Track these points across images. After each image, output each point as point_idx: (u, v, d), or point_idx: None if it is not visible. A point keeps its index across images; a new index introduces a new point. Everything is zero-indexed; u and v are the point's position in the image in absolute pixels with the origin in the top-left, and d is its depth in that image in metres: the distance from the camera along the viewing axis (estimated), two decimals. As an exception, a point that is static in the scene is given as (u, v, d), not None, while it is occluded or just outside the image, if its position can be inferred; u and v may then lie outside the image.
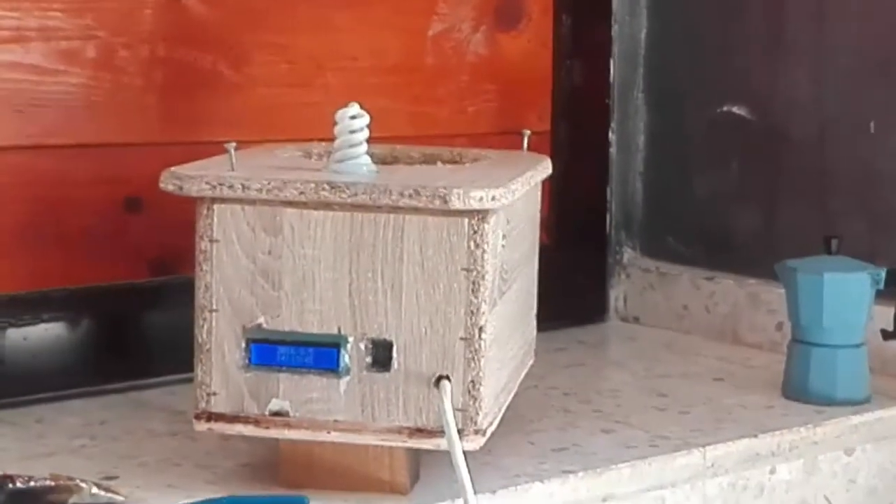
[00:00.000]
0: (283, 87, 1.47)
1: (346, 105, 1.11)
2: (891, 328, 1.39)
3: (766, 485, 1.29)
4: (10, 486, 0.99)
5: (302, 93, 1.48)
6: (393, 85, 1.55)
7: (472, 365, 1.04)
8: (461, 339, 1.04)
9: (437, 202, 1.02)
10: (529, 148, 1.30)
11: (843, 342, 1.36)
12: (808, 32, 1.60)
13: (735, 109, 1.67)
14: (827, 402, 1.35)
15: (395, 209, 1.04)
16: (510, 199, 1.06)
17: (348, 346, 1.05)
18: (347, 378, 1.05)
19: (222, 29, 1.43)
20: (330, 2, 1.50)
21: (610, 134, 1.74)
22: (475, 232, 1.04)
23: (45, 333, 1.34)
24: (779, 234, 1.62)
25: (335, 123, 1.11)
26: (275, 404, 1.06)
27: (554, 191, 1.66)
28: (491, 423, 1.08)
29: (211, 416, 1.07)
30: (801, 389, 1.37)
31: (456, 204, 1.02)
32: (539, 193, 1.29)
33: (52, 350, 1.34)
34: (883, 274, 1.35)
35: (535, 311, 1.29)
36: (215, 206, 1.05)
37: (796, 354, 1.38)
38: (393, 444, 1.06)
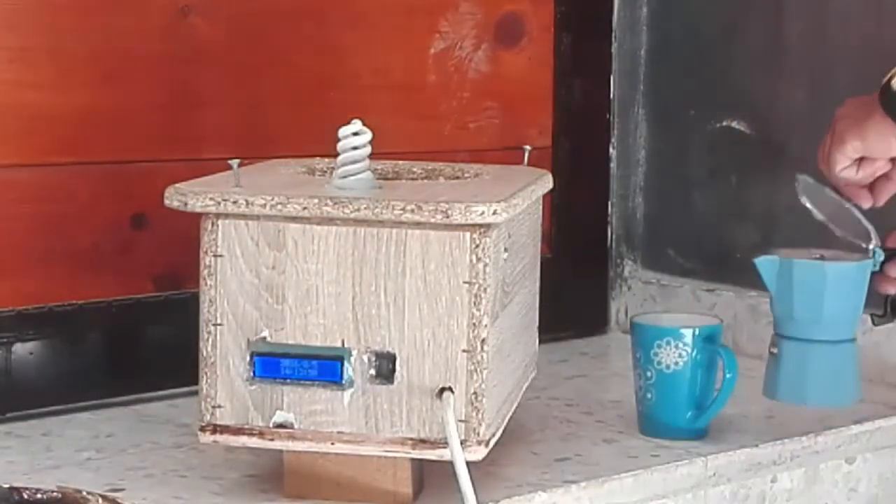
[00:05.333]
0: (287, 104, 1.48)
1: (348, 122, 1.12)
2: (880, 313, 1.36)
3: (768, 493, 1.30)
4: (18, 498, 1.00)
5: (305, 110, 1.48)
6: (395, 102, 1.56)
7: (475, 377, 1.05)
8: (463, 351, 1.05)
9: (439, 217, 1.03)
10: (530, 163, 1.31)
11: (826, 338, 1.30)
12: (807, 48, 1.60)
13: (735, 124, 1.67)
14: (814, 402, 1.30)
15: (398, 224, 1.04)
16: (511, 213, 1.07)
17: (352, 358, 1.06)
18: (351, 390, 1.06)
19: (227, 47, 1.44)
20: (333, 21, 1.51)
21: (610, 149, 1.75)
22: (477, 246, 1.05)
23: (51, 348, 1.35)
24: (778, 247, 1.62)
25: (338, 140, 1.12)
26: (279, 416, 1.07)
27: (555, 205, 1.67)
28: (494, 434, 1.09)
29: (216, 429, 1.08)
30: (794, 391, 1.31)
31: (458, 218, 1.03)
32: (540, 207, 1.30)
33: (59, 364, 1.35)
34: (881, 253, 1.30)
35: (536, 323, 1.30)
36: (220, 222, 1.06)
37: (786, 354, 1.32)
38: (397, 455, 1.07)
